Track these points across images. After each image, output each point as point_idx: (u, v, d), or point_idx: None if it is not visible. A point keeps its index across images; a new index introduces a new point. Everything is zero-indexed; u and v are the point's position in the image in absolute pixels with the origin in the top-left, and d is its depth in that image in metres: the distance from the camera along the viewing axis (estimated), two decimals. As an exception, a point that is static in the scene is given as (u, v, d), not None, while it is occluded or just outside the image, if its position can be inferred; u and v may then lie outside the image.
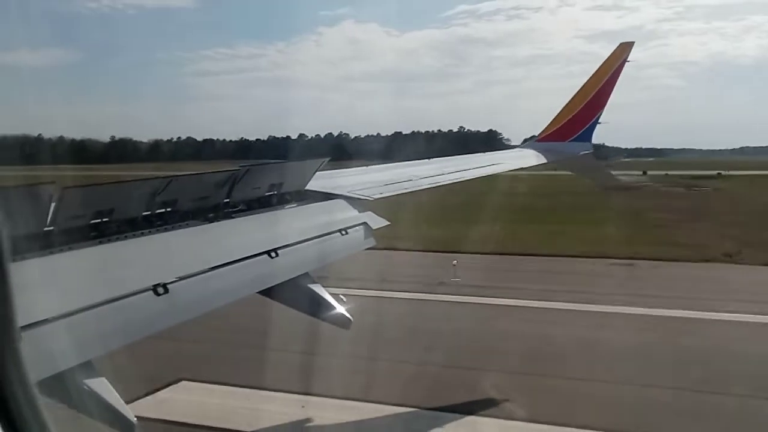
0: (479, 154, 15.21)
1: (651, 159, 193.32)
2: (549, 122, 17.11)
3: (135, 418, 4.01)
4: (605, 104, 16.50)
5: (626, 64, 16.08)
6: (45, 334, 3.67)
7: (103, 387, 3.96)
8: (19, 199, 4.36)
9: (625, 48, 16.32)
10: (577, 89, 16.79)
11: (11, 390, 1.90)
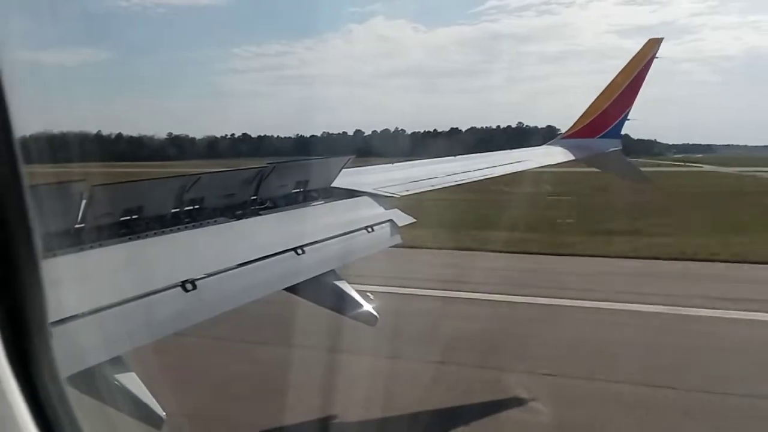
0: (505, 151, 15.11)
1: (700, 155, 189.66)
2: (576, 119, 16.98)
3: (164, 413, 4.06)
4: (634, 100, 16.32)
5: (657, 60, 15.89)
6: (75, 329, 3.71)
7: (132, 382, 4.01)
8: (50, 197, 4.42)
9: (653, 44, 16.12)
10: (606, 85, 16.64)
11: (42, 384, 1.93)
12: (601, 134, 16.45)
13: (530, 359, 14.74)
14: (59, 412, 1.96)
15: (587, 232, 32.85)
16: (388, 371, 13.39)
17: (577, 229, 33.82)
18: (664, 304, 18.94)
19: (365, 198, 8.19)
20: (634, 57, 16.13)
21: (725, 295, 20.08)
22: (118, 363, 4.01)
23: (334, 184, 7.99)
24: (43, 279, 2.00)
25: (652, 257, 26.73)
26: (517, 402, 12.55)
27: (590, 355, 15.27)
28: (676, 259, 26.27)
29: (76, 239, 4.62)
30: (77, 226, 4.68)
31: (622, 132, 16.66)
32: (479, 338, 16.38)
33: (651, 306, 18.91)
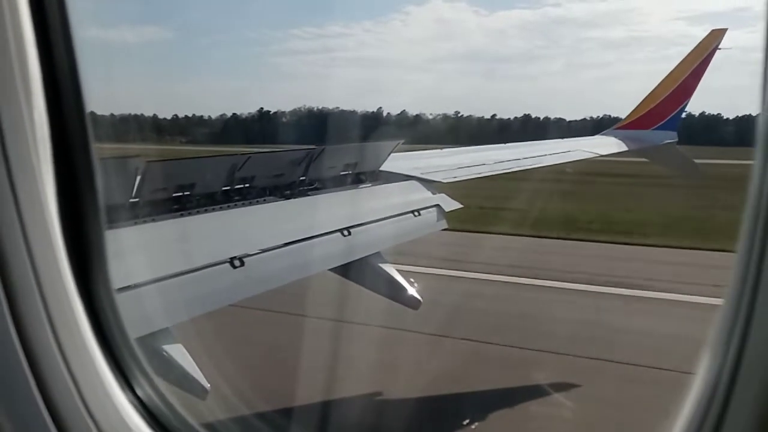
0: (558, 140, 14.87)
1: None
2: (631, 110, 16.60)
3: (209, 385, 4.16)
4: (693, 93, 15.84)
5: (724, 51, 15.36)
6: (125, 300, 3.82)
7: (179, 353, 4.11)
8: (107, 171, 4.54)
9: (716, 35, 15.58)
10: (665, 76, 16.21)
11: (113, 338, 2.05)
12: (657, 126, 16.05)
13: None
14: (130, 363, 2.08)
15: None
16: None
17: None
18: None
19: (413, 182, 8.19)
20: (695, 48, 15.63)
21: None
22: (166, 334, 4.12)
23: (383, 167, 8.01)
24: (107, 246, 2.11)
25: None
26: None
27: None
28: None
29: (130, 213, 4.75)
30: (132, 200, 4.82)
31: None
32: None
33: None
